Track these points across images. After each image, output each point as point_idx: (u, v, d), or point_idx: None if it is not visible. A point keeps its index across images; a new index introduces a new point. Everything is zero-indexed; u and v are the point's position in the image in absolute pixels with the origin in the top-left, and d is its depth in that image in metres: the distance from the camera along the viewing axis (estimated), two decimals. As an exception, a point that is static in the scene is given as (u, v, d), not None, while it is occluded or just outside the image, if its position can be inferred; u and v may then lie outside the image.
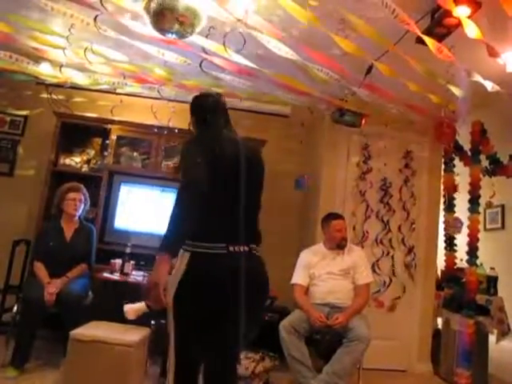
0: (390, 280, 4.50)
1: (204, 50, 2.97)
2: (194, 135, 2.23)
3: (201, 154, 1.87)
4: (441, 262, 4.90)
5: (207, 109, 2.21)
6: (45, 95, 4.51)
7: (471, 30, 2.38)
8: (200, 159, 1.84)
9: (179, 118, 4.32)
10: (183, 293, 1.86)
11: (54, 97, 4.49)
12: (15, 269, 4.20)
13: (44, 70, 3.77)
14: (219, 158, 1.94)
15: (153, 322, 3.52)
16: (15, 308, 3.48)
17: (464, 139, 4.53)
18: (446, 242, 4.73)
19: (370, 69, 3.34)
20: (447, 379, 4.18)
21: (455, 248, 4.70)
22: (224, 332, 1.91)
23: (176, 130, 4.34)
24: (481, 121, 4.31)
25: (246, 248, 1.95)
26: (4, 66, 3.58)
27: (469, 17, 2.40)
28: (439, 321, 4.73)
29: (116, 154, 4.65)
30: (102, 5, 2.42)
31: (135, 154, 4.72)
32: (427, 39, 2.52)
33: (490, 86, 2.99)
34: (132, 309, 3.41)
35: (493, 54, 2.68)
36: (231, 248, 1.90)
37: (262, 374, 3.48)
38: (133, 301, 3.46)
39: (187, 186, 1.83)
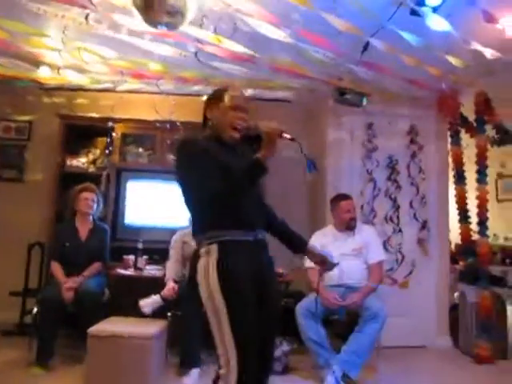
0: (403, 257, 4.48)
1: (198, 40, 2.96)
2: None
3: None
4: (455, 236, 4.86)
5: None
6: (47, 99, 4.55)
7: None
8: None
9: (180, 111, 4.36)
10: (227, 283, 1.79)
11: (56, 100, 4.53)
12: (33, 272, 4.30)
13: (43, 74, 3.80)
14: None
15: (169, 313, 3.56)
16: (35, 309, 3.54)
17: (469, 110, 4.48)
18: (459, 214, 4.69)
19: (366, 46, 3.31)
20: (467, 352, 4.18)
21: (469, 220, 4.65)
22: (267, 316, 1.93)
23: (178, 123, 4.35)
24: (484, 90, 4.25)
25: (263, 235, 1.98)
26: (4, 72, 3.62)
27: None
28: (456, 294, 4.72)
29: (121, 152, 4.69)
30: (92, 3, 2.42)
31: (140, 149, 4.75)
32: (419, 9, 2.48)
33: (489, 53, 2.95)
34: (147, 303, 3.46)
35: (490, 19, 2.64)
36: (258, 236, 1.93)
37: (282, 357, 3.52)
38: (148, 295, 3.52)
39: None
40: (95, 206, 3.94)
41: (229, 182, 1.79)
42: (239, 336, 1.74)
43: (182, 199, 1.95)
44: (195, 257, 1.91)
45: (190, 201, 1.94)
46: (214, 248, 1.82)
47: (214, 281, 1.78)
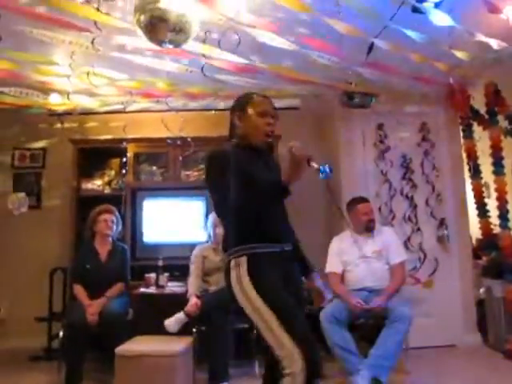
0: (425, 255, 4.43)
1: (203, 55, 2.99)
2: None
3: None
4: (475, 230, 4.79)
5: None
6: (59, 125, 4.61)
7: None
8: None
9: (190, 127, 4.39)
10: (261, 285, 1.82)
11: (67, 125, 4.59)
12: (56, 296, 4.34)
13: (54, 100, 3.86)
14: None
15: (194, 329, 3.55)
16: (61, 333, 3.57)
17: (479, 103, 4.44)
18: (477, 208, 4.63)
19: (371, 47, 3.31)
20: (498, 348, 4.10)
21: (488, 214, 4.57)
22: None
23: (189, 139, 4.39)
24: (494, 81, 4.22)
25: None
26: (15, 101, 3.69)
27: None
28: (481, 290, 4.64)
29: (135, 172, 4.72)
30: (97, 27, 2.46)
31: (154, 168, 4.79)
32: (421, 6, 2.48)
33: (495, 43, 2.93)
34: (172, 321, 3.46)
35: (493, 10, 2.63)
36: (284, 248, 1.96)
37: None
38: (172, 312, 3.52)
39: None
40: (114, 227, 3.97)
41: (253, 195, 1.81)
42: (293, 330, 1.74)
43: (217, 211, 2.03)
44: (227, 271, 1.92)
45: (221, 213, 1.99)
46: (244, 260, 1.85)
47: (249, 288, 1.81)
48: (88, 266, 3.80)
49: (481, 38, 2.85)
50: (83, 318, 3.42)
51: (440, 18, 2.58)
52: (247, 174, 1.85)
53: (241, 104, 2.08)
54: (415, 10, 2.64)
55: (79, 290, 3.70)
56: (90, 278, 3.75)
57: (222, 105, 4.20)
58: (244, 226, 1.87)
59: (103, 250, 3.91)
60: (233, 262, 1.88)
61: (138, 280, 4.16)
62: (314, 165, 1.76)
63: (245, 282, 1.82)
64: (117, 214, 4.03)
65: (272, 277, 1.85)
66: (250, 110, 2.03)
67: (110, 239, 3.97)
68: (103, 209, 3.95)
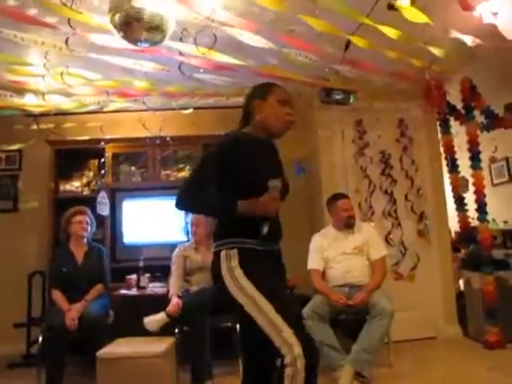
0: (405, 250, 4.48)
1: (180, 54, 2.96)
2: None
3: None
4: (454, 224, 4.86)
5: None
6: (35, 126, 4.53)
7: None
8: None
9: (169, 126, 4.35)
10: (254, 274, 1.84)
11: (43, 126, 4.52)
12: (35, 301, 4.26)
13: (29, 101, 3.79)
14: None
15: (176, 330, 3.53)
16: (40, 339, 3.51)
17: (455, 98, 4.50)
18: (455, 202, 4.69)
19: (348, 44, 3.32)
20: (477, 338, 4.17)
21: (466, 208, 4.64)
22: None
23: (168, 138, 4.36)
24: (469, 77, 4.28)
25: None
26: (-12, 103, 3.62)
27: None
28: (461, 282, 4.72)
29: (114, 172, 4.67)
30: (70, 25, 2.42)
31: (133, 168, 4.74)
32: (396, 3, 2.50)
33: (469, 40, 2.96)
34: (152, 320, 3.44)
35: (466, 7, 2.66)
36: (274, 247, 1.98)
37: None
38: (153, 313, 3.50)
39: None
40: (89, 228, 3.92)
41: (255, 193, 1.86)
42: (287, 314, 1.76)
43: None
44: (216, 262, 1.92)
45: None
46: (234, 252, 1.86)
47: (240, 276, 1.83)
48: (65, 269, 3.73)
49: (455, 34, 2.88)
50: (62, 322, 3.35)
51: (415, 15, 2.59)
52: (254, 171, 1.88)
53: (262, 91, 2.06)
54: (391, 7, 2.66)
55: (58, 295, 3.63)
56: (68, 281, 3.68)
57: (200, 103, 4.16)
58: (239, 220, 1.87)
59: (79, 252, 3.85)
60: (223, 253, 1.88)
61: (119, 282, 4.12)
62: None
63: (236, 271, 1.84)
64: (90, 214, 3.97)
65: (263, 267, 1.88)
66: (272, 98, 2.01)
67: (86, 240, 3.91)
68: (76, 210, 3.89)
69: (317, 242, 3.80)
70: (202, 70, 3.16)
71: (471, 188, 4.35)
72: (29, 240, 4.64)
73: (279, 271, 2.02)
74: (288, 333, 1.71)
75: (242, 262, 1.85)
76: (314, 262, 3.71)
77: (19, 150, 4.91)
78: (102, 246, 4.08)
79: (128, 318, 3.72)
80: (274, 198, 1.86)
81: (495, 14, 2.76)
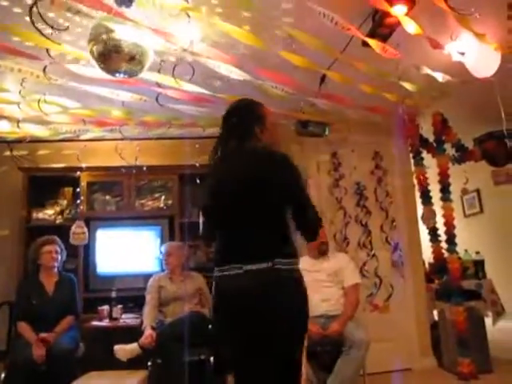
0: (380, 281, 4.50)
1: (158, 85, 2.99)
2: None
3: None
4: (428, 255, 4.93)
5: (223, 122, 2.17)
6: (7, 153, 4.47)
7: (410, 26, 2.46)
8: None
9: (146, 156, 4.34)
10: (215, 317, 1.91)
11: (17, 153, 4.46)
12: (0, 333, 4.09)
13: (2, 128, 3.74)
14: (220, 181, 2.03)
15: (149, 363, 3.44)
16: (3, 375, 3.34)
17: (427, 132, 4.62)
18: (429, 233, 4.77)
19: (323, 78, 3.41)
20: (451, 370, 4.17)
21: (439, 239, 4.72)
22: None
23: (144, 168, 4.35)
24: (440, 111, 4.41)
25: (265, 265, 1.84)
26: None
27: (406, 14, 2.48)
28: (435, 313, 4.75)
29: (89, 201, 4.61)
30: (49, 54, 2.42)
31: (108, 197, 4.68)
32: (370, 41, 2.58)
33: (440, 76, 3.07)
34: (123, 349, 3.35)
35: (436, 46, 2.76)
36: (248, 267, 1.84)
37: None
38: (125, 343, 3.42)
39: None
40: (59, 257, 3.82)
41: None
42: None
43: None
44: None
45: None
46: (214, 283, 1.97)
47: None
48: (34, 301, 3.61)
49: (426, 70, 2.98)
50: (29, 356, 3.23)
51: (388, 52, 2.68)
52: None
53: (260, 117, 2.09)
54: (365, 44, 2.74)
55: (24, 328, 3.51)
56: (37, 313, 3.56)
57: (176, 133, 4.18)
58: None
59: (49, 282, 3.75)
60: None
61: (91, 313, 4.03)
62: None
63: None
64: (60, 243, 3.88)
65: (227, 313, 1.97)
66: (268, 124, 2.07)
67: (56, 270, 3.82)
68: (45, 240, 3.81)
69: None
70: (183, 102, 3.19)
71: (441, 220, 4.42)
72: (-3, 269, 4.51)
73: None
74: None
75: (215, 294, 1.92)
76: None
77: (-9, 177, 4.82)
78: (74, 276, 3.98)
79: (100, 350, 3.62)
80: None
81: (462, 53, 2.88)
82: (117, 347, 3.37)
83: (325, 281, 3.65)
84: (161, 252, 3.97)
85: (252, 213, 1.92)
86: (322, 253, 3.74)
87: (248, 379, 1.89)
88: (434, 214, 4.59)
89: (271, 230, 1.93)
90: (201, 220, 2.21)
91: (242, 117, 2.10)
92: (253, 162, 1.98)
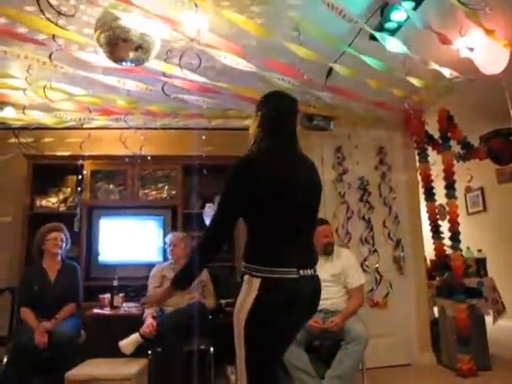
0: (381, 277, 4.50)
1: (164, 74, 2.98)
2: (256, 149, 1.99)
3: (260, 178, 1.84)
4: (430, 251, 4.92)
5: (282, 115, 2.05)
6: (13, 140, 4.47)
7: (418, 21, 2.44)
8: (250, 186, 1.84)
9: (150, 145, 4.33)
10: (258, 319, 1.79)
11: (22, 140, 4.46)
12: (3, 319, 4.12)
13: (8, 114, 3.75)
14: (289, 183, 1.92)
15: (149, 351, 3.46)
16: (5, 359, 3.37)
17: (433, 128, 4.60)
18: (432, 230, 4.76)
19: (329, 71, 3.39)
20: (450, 366, 4.18)
21: (442, 236, 4.71)
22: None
23: (149, 158, 4.35)
24: (446, 108, 4.39)
25: (312, 271, 1.95)
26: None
27: (414, 9, 2.46)
28: (435, 310, 4.76)
29: (92, 189, 4.61)
30: (55, 40, 2.42)
31: (111, 186, 4.69)
32: (377, 34, 2.56)
33: (447, 72, 3.05)
34: (127, 343, 3.37)
35: (444, 41, 2.74)
36: (301, 272, 1.87)
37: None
38: (127, 333, 3.43)
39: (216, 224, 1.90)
40: (64, 245, 3.84)
41: None
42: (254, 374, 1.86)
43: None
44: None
45: None
46: (256, 282, 1.83)
47: (244, 311, 1.86)
48: (36, 287, 3.64)
49: (434, 66, 2.96)
50: (31, 341, 3.25)
51: (396, 46, 2.66)
52: None
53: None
54: (372, 37, 2.73)
55: (26, 313, 3.54)
56: (39, 299, 3.59)
57: (182, 124, 4.17)
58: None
59: (52, 269, 3.77)
60: (246, 277, 1.87)
61: (92, 301, 4.04)
62: None
63: (246, 304, 1.86)
64: (66, 232, 3.90)
65: (277, 317, 1.92)
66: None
67: (59, 258, 3.83)
68: (52, 227, 3.82)
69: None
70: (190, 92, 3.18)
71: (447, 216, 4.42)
72: (0, 255, 4.52)
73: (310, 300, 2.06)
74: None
75: (259, 295, 1.87)
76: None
77: (-4, 163, 4.83)
78: (76, 264, 4.00)
79: (100, 338, 3.63)
80: None
81: (471, 49, 2.86)
82: (122, 343, 3.37)
83: (326, 280, 3.61)
84: (165, 242, 3.97)
85: (314, 218, 2.06)
86: (326, 253, 3.73)
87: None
88: (444, 209, 4.60)
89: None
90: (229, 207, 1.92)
91: (295, 113, 2.11)
92: (312, 167, 2.14)
